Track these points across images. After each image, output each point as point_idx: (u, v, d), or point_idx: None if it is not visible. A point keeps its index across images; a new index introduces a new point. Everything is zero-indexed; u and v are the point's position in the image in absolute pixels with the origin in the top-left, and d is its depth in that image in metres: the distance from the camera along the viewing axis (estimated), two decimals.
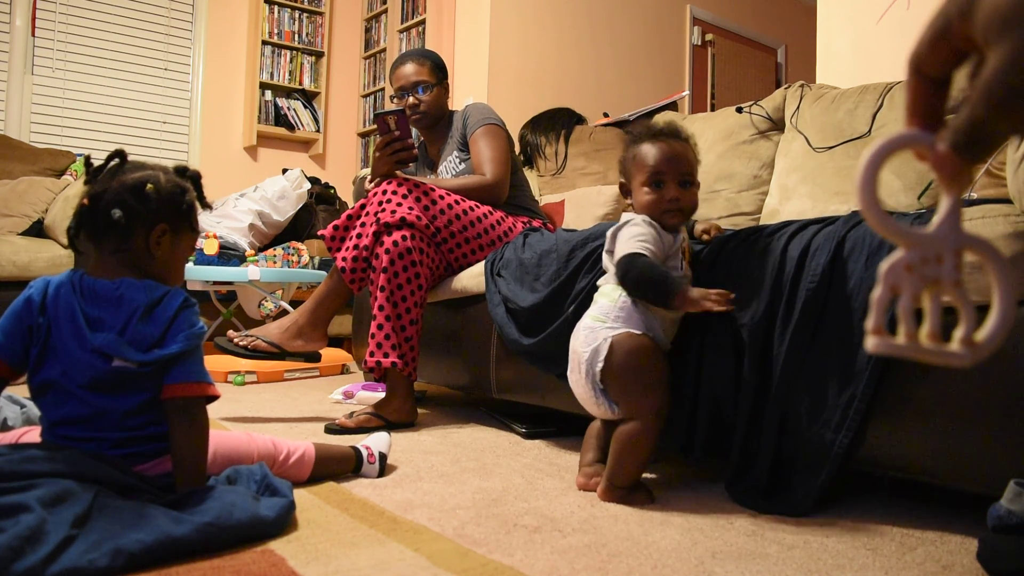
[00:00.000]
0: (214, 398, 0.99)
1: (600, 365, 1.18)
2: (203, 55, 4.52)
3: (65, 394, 0.92)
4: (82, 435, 0.92)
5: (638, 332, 1.18)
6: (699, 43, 5.16)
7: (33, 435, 1.00)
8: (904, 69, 0.43)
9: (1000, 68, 0.37)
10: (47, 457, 0.87)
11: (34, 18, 4.04)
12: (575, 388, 1.26)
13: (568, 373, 1.28)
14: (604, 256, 1.29)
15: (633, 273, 1.17)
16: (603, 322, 1.20)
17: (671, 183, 1.23)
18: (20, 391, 1.38)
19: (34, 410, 1.32)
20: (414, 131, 2.26)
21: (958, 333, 0.42)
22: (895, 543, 1.00)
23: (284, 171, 3.95)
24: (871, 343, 0.43)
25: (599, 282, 1.30)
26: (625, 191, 1.30)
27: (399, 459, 1.43)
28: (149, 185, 0.97)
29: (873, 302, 0.42)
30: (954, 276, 0.42)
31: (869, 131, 1.86)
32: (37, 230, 3.13)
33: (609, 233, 1.26)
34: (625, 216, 1.26)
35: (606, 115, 2.97)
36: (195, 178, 1.06)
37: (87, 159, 1.05)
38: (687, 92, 3.57)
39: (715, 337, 1.24)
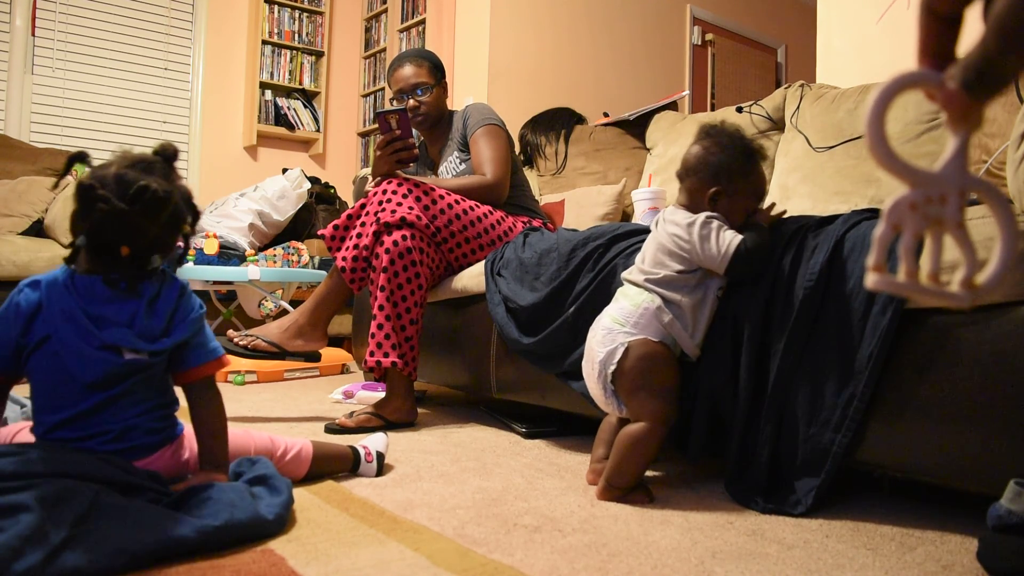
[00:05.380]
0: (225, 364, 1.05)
1: (613, 367, 1.19)
2: (203, 55, 4.52)
3: (68, 395, 0.91)
4: (81, 434, 0.92)
5: (655, 339, 1.19)
6: (699, 43, 5.16)
7: (28, 434, 1.00)
8: (916, 8, 0.42)
9: (1012, 3, 0.36)
10: (47, 457, 0.86)
11: (34, 18, 4.03)
12: (587, 381, 1.27)
13: (583, 364, 1.29)
14: (659, 251, 1.23)
15: (755, 255, 1.19)
16: (622, 326, 1.20)
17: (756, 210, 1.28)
18: (22, 391, 1.38)
19: None
20: (415, 131, 2.26)
21: (958, 275, 0.42)
22: (895, 543, 1.00)
23: (284, 171, 3.95)
24: (871, 279, 0.42)
25: (624, 275, 1.29)
26: (714, 197, 1.22)
27: (399, 459, 1.43)
28: None
29: (875, 239, 0.42)
30: (957, 217, 0.42)
31: None
32: (37, 230, 3.13)
33: (689, 234, 1.20)
34: (691, 215, 1.22)
35: (606, 115, 2.96)
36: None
37: None
38: (687, 92, 3.57)
39: (712, 335, 1.24)
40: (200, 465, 1.00)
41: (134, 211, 0.90)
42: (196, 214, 1.00)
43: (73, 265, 0.94)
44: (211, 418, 1.02)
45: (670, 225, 1.23)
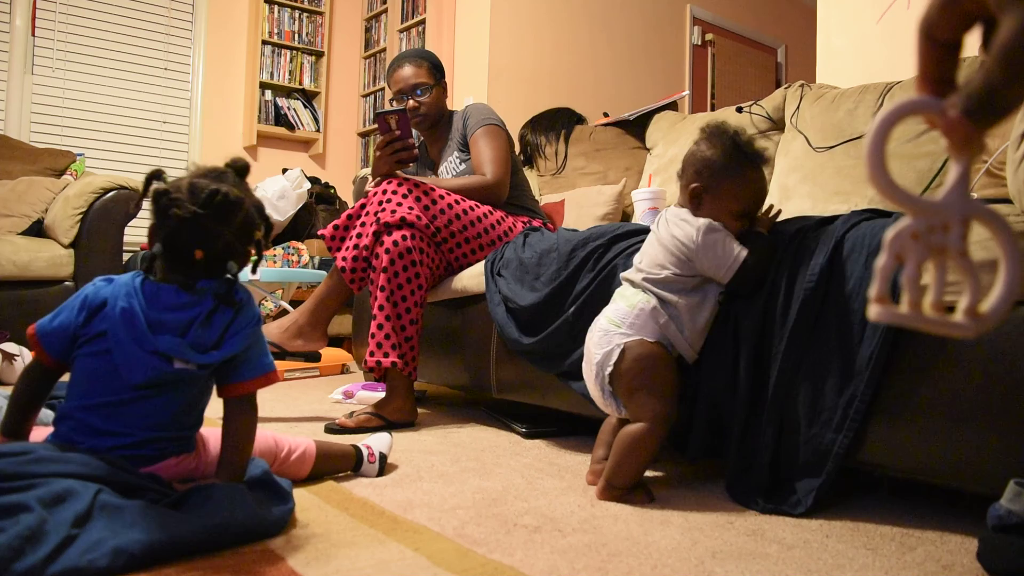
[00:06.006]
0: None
1: (610, 369, 1.19)
2: (203, 55, 4.52)
3: (107, 387, 0.92)
4: (102, 426, 0.91)
5: (651, 340, 1.18)
6: (699, 43, 5.16)
7: (37, 436, 1.00)
8: (915, 34, 0.42)
9: (1016, 31, 0.36)
10: (47, 457, 0.86)
11: (34, 18, 4.03)
12: (587, 382, 1.27)
13: (583, 364, 1.29)
14: (659, 253, 1.22)
15: (759, 269, 1.19)
16: (618, 327, 1.20)
17: (748, 218, 1.24)
18: None
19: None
20: (415, 131, 2.26)
21: (962, 304, 0.41)
22: (895, 543, 1.00)
23: (284, 171, 3.94)
24: (874, 311, 0.42)
25: (623, 275, 1.28)
26: (695, 193, 1.21)
27: (399, 459, 1.43)
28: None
29: (877, 270, 0.42)
30: (960, 245, 0.41)
31: None
32: (37, 230, 3.13)
33: (693, 240, 1.18)
34: (695, 220, 1.19)
35: (606, 115, 2.96)
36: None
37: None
38: (687, 92, 3.56)
39: (713, 337, 1.24)
40: (216, 473, 0.99)
41: (207, 215, 0.91)
42: (269, 225, 1.01)
43: (149, 275, 0.95)
44: (241, 433, 0.99)
45: (672, 227, 1.22)
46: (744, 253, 1.18)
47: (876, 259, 0.42)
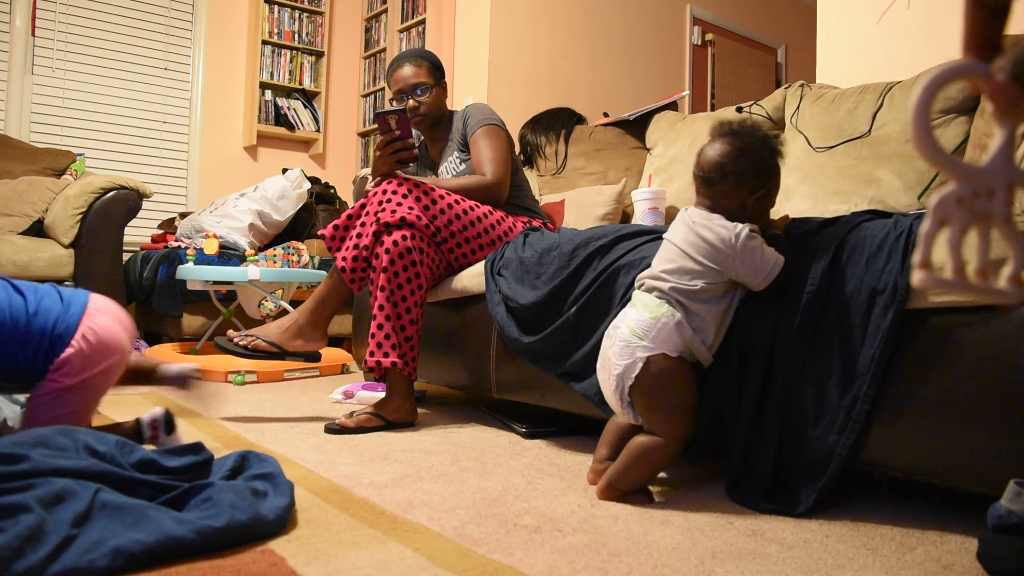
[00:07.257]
0: None
1: (630, 382, 1.17)
2: (203, 55, 4.52)
3: None
4: None
5: (674, 355, 1.17)
6: (699, 43, 5.16)
7: None
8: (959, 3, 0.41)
9: None
10: (46, 457, 0.87)
11: (34, 18, 4.03)
12: (603, 386, 1.26)
13: (598, 371, 1.28)
14: (686, 260, 1.19)
15: (792, 274, 1.19)
16: (640, 339, 1.17)
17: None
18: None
19: None
20: (415, 131, 2.26)
21: (1006, 271, 0.41)
22: (895, 543, 1.00)
23: (284, 171, 3.94)
24: (918, 277, 0.41)
25: (643, 279, 1.24)
26: (762, 198, 1.21)
27: (399, 459, 1.43)
28: None
29: (921, 236, 0.41)
30: (1005, 211, 0.40)
31: (869, 131, 1.86)
32: (37, 230, 3.13)
33: (730, 247, 1.16)
34: (732, 225, 1.17)
35: (606, 115, 2.96)
36: None
37: None
38: (687, 92, 3.56)
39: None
40: None
41: None
42: None
43: None
44: None
45: (702, 229, 1.18)
46: (781, 260, 1.17)
47: (920, 225, 0.41)
